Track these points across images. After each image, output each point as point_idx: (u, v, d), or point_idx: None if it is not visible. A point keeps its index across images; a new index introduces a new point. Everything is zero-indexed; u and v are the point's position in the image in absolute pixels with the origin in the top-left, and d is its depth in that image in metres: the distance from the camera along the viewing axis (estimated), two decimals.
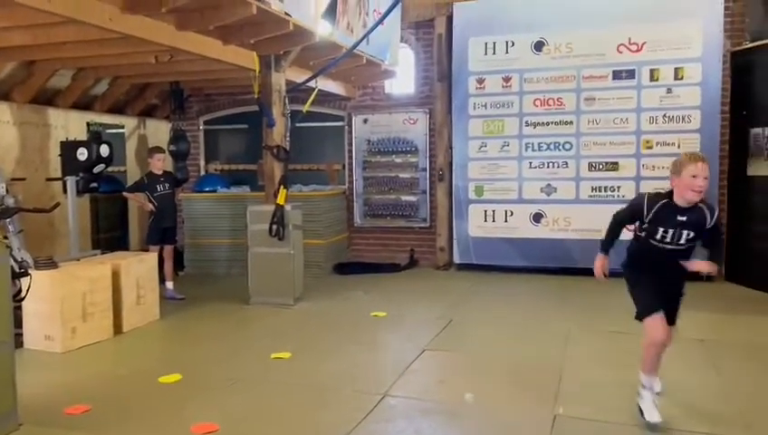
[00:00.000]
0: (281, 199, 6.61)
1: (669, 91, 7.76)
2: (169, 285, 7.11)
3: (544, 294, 7.21)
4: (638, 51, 7.85)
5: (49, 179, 7.12)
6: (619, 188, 8.00)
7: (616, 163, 8.02)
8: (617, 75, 7.95)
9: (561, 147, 8.21)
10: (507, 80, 8.38)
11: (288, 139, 6.95)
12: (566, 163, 8.21)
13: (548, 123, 8.24)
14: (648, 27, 7.79)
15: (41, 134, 7.49)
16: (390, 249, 9.20)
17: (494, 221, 8.51)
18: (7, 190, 5.70)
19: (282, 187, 6.67)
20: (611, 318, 6.03)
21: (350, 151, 9.38)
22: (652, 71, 7.81)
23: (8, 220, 5.50)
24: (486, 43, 8.42)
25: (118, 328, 5.62)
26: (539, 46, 8.23)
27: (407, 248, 9.16)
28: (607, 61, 7.97)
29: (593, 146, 8.10)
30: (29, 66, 7.03)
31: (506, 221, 8.46)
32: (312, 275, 7.87)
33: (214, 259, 8.80)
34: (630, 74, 7.88)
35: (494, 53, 8.40)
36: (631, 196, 7.90)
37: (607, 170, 8.07)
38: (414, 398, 4.11)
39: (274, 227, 6.57)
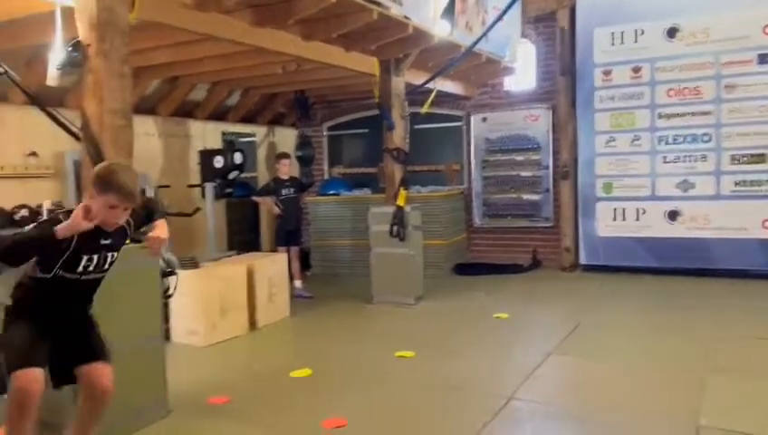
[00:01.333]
0: (401, 201, 6.69)
1: None
2: (298, 283, 7.44)
3: (681, 297, 6.73)
4: None
5: (190, 186, 7.70)
6: (767, 181, 7.30)
7: (762, 155, 7.33)
8: (763, 59, 7.27)
9: (698, 139, 7.64)
10: (637, 70, 7.93)
11: (407, 141, 7.03)
12: (704, 157, 7.62)
13: (683, 114, 7.70)
14: None
15: (182, 144, 8.13)
16: (512, 250, 9.01)
17: (624, 220, 8.08)
18: (155, 196, 6.26)
19: (401, 188, 6.75)
20: (758, 323, 5.54)
21: (469, 151, 9.31)
22: None
23: None
24: (613, 33, 8.02)
25: (252, 324, 5.96)
26: (672, 33, 7.71)
27: (529, 249, 8.93)
28: (751, 44, 7.31)
29: (736, 137, 7.46)
30: (171, 82, 7.66)
31: (638, 220, 8.00)
32: (432, 275, 7.89)
33: (338, 259, 9.08)
34: None
35: (621, 43, 7.99)
36: None
37: (752, 163, 7.39)
38: (540, 402, 3.99)
39: (395, 227, 6.67)
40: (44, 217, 5.08)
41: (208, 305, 5.48)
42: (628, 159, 8.03)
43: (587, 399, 4.01)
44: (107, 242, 2.76)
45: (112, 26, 3.56)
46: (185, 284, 5.30)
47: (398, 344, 5.20)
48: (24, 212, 5.79)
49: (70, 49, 3.57)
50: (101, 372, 2.84)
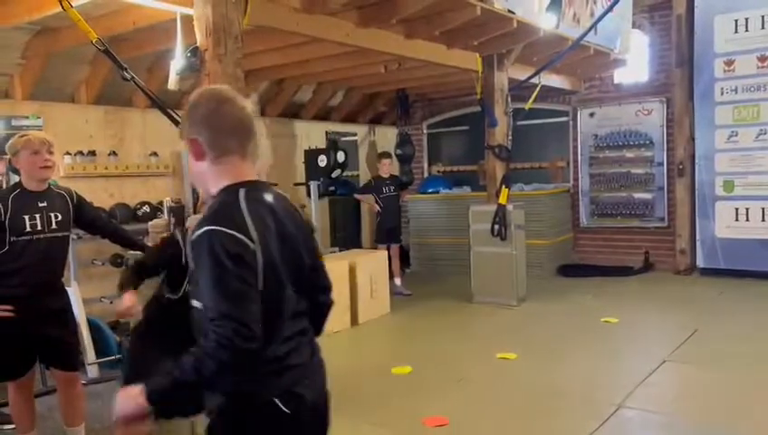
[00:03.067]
0: (503, 199, 6.56)
1: None
2: (398, 281, 7.49)
3: None
4: None
5: (296, 184, 7.96)
6: None
7: None
8: None
9: None
10: (763, 59, 7.30)
11: (510, 137, 6.88)
12: None
13: None
14: None
15: (288, 144, 8.42)
16: (621, 251, 8.58)
17: (747, 220, 7.48)
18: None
19: (503, 186, 6.62)
20: None
21: (575, 147, 8.96)
22: None
23: None
24: (737, 20, 7.43)
25: (354, 319, 6.07)
26: None
27: (640, 250, 8.46)
28: None
29: None
30: (279, 84, 7.95)
31: (763, 220, 7.37)
32: (535, 276, 7.67)
33: (437, 258, 9.05)
34: None
35: (746, 31, 7.39)
36: None
37: None
38: (653, 411, 3.78)
39: (496, 226, 6.55)
40: (164, 213, 5.43)
41: None
42: (753, 155, 7.40)
43: (703, 409, 3.75)
44: (43, 204, 3.09)
45: (227, 31, 3.74)
46: None
47: (500, 345, 5.11)
48: (146, 208, 6.22)
49: (188, 54, 3.79)
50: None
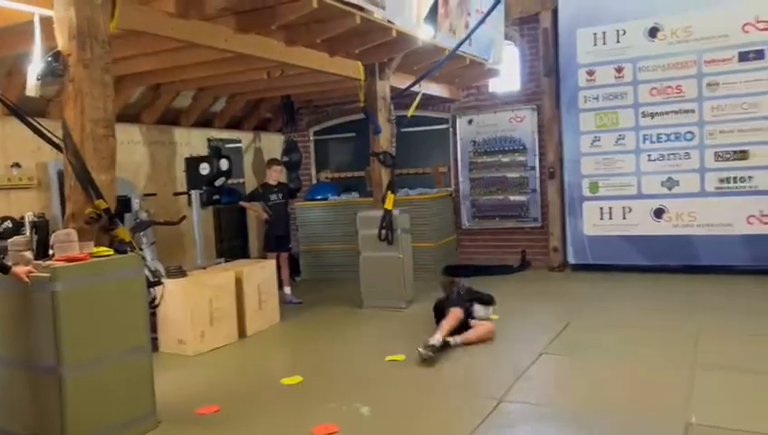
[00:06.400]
0: (389, 204, 6.69)
1: None
2: (287, 290, 7.41)
3: (669, 295, 6.78)
4: (766, 29, 7.21)
5: (176, 194, 7.65)
6: (750, 178, 7.38)
7: (745, 152, 7.40)
8: (744, 57, 7.34)
9: (682, 137, 7.70)
10: (620, 70, 7.98)
11: (394, 144, 7.04)
12: (688, 154, 7.69)
13: (667, 113, 7.76)
14: None
15: (167, 152, 8.07)
16: (501, 251, 9.03)
17: (611, 218, 8.13)
18: (141, 206, 6.21)
19: (389, 192, 6.75)
20: (746, 320, 5.59)
21: (456, 153, 9.33)
22: None
23: (142, 233, 5.98)
24: (595, 34, 8.07)
25: (242, 332, 5.92)
26: (653, 32, 7.78)
27: (518, 250, 8.96)
28: (731, 42, 7.38)
29: (719, 134, 7.53)
30: (155, 90, 7.61)
31: (624, 218, 8.05)
32: (422, 278, 7.88)
33: (327, 264, 9.06)
34: (760, 55, 7.26)
35: (604, 44, 8.04)
36: (765, 186, 7.30)
37: (735, 160, 7.46)
38: (532, 403, 4.00)
39: (383, 231, 6.67)
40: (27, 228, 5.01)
41: (197, 314, 5.44)
42: (614, 159, 8.08)
43: (578, 398, 4.02)
44: None
45: (92, 35, 3.54)
46: (172, 293, 5.28)
47: (389, 348, 5.19)
48: (8, 224, 5.71)
49: (50, 59, 3.54)
50: None
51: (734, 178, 7.48)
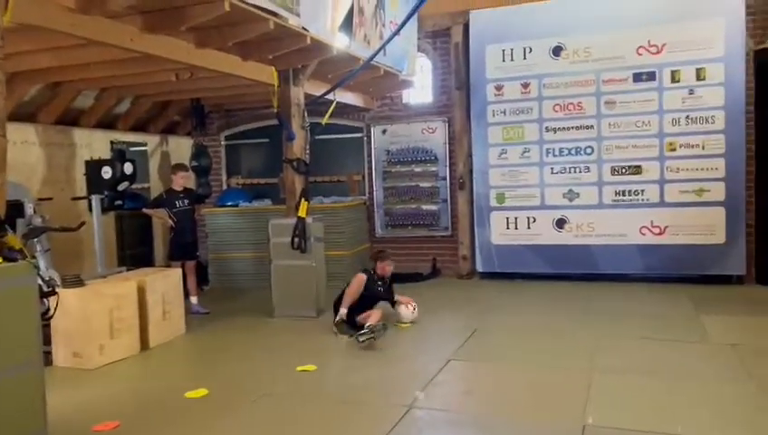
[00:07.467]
0: (302, 212, 6.64)
1: (692, 92, 7.65)
2: (194, 299, 7.17)
3: (570, 301, 7.12)
4: (658, 53, 7.77)
5: (75, 198, 7.23)
6: (643, 191, 7.90)
7: (639, 166, 7.92)
8: (637, 78, 7.86)
9: (582, 151, 8.14)
10: (526, 86, 8.34)
11: (308, 151, 7.00)
12: (588, 168, 8.13)
13: (568, 128, 8.18)
14: (668, 28, 7.70)
15: (66, 154, 7.63)
16: (412, 259, 9.16)
17: (516, 228, 8.46)
18: (35, 211, 5.82)
19: (303, 199, 6.70)
20: (640, 324, 5.95)
21: (370, 162, 9.40)
22: (673, 72, 7.71)
23: (36, 240, 5.60)
24: (504, 50, 8.39)
25: (144, 344, 5.67)
26: (557, 51, 8.18)
27: (429, 258, 9.13)
28: (627, 63, 7.88)
29: (615, 150, 8.01)
30: (54, 88, 7.18)
31: (529, 228, 8.39)
32: (335, 286, 7.82)
33: (237, 273, 8.85)
34: (651, 76, 7.80)
35: (511, 60, 8.37)
36: (656, 199, 7.84)
37: (630, 174, 7.96)
38: (440, 410, 4.08)
39: (296, 239, 6.60)
40: None
41: (95, 326, 5.16)
42: (519, 171, 8.42)
43: (483, 403, 4.14)
44: None
45: None
46: (68, 303, 4.98)
47: (299, 359, 5.13)
48: None
49: None
50: None
51: (629, 191, 7.98)
